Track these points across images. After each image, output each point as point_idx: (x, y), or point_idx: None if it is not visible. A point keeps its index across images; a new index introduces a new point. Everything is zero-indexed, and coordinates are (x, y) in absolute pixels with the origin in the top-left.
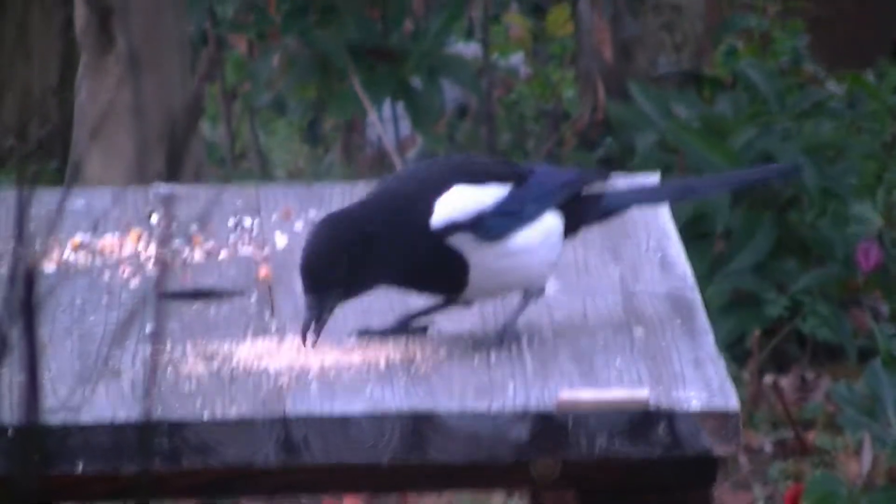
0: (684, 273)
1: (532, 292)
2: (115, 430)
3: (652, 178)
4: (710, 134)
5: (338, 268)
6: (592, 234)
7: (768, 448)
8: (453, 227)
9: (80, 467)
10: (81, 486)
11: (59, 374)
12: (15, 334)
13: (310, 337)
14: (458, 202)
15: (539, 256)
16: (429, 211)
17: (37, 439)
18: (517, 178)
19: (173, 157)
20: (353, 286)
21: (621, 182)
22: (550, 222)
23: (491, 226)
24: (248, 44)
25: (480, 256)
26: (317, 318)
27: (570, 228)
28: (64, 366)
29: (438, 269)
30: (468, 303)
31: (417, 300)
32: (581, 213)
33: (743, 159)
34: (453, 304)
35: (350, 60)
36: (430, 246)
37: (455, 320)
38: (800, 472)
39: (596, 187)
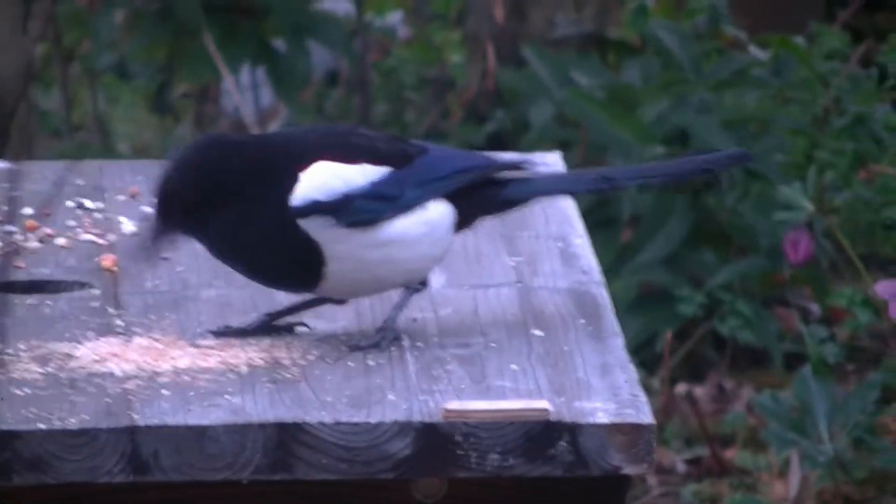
0: (589, 265)
1: (412, 287)
2: None
3: (551, 157)
4: (616, 105)
5: (184, 194)
6: (484, 220)
7: (681, 467)
8: (313, 208)
9: None
10: None
11: None
12: None
13: (138, 255)
14: (323, 179)
15: (419, 250)
16: (288, 184)
17: None
18: (404, 158)
19: (1, 128)
20: (195, 225)
21: (514, 160)
22: (436, 212)
23: (359, 209)
24: None
25: (343, 246)
26: (152, 240)
27: (463, 220)
28: None
29: (289, 256)
30: (340, 300)
31: (283, 296)
32: (477, 203)
33: (653, 135)
34: (323, 301)
35: (204, 17)
36: (283, 227)
37: (327, 318)
38: (717, 494)
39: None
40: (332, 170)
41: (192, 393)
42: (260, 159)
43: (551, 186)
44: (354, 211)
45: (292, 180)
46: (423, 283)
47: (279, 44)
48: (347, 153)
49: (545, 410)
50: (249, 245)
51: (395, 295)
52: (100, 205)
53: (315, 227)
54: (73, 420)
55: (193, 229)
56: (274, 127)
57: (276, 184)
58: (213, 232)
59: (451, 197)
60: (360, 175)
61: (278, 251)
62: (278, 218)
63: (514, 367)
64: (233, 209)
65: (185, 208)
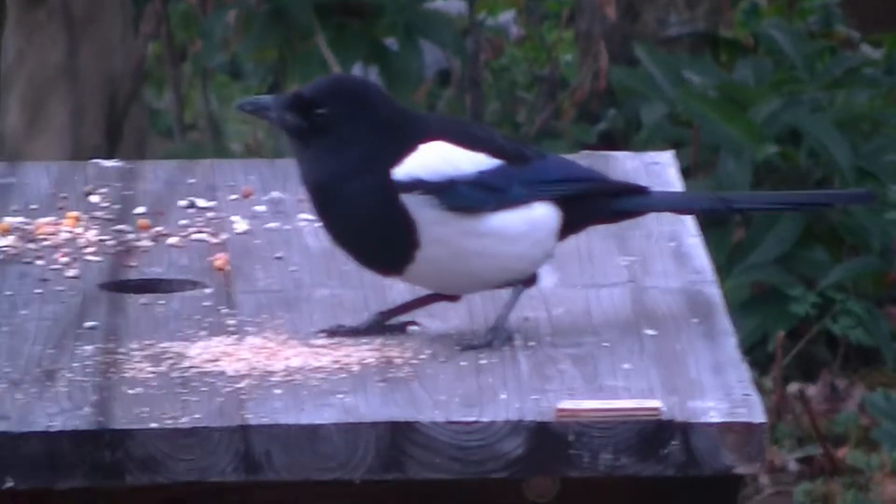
0: (702, 265)
1: (524, 282)
2: (50, 441)
3: (664, 156)
4: (729, 105)
5: (325, 100)
6: None
7: (793, 466)
8: (416, 185)
9: (8, 482)
10: None
11: None
12: None
13: (245, 105)
14: (432, 159)
15: (518, 248)
16: (399, 157)
17: None
18: (520, 157)
19: (113, 127)
20: (310, 132)
21: (629, 162)
22: (541, 212)
23: (461, 194)
24: None
25: (441, 229)
26: (268, 107)
27: (570, 227)
28: None
29: (382, 229)
30: (453, 297)
31: (396, 294)
32: (587, 211)
33: (766, 134)
34: (436, 299)
35: (316, 17)
36: (382, 197)
37: (439, 317)
38: (829, 494)
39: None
40: (443, 151)
41: (304, 392)
42: (394, 117)
43: (665, 202)
44: (457, 195)
45: (407, 153)
46: (533, 281)
47: (391, 43)
48: (466, 140)
49: (657, 410)
50: (349, 198)
51: (505, 294)
52: (212, 204)
53: (415, 205)
54: (185, 419)
55: (309, 136)
56: None
57: (393, 150)
58: (320, 161)
59: (560, 202)
60: (469, 162)
61: (372, 221)
62: (381, 186)
63: (626, 366)
64: (348, 152)
65: (315, 112)
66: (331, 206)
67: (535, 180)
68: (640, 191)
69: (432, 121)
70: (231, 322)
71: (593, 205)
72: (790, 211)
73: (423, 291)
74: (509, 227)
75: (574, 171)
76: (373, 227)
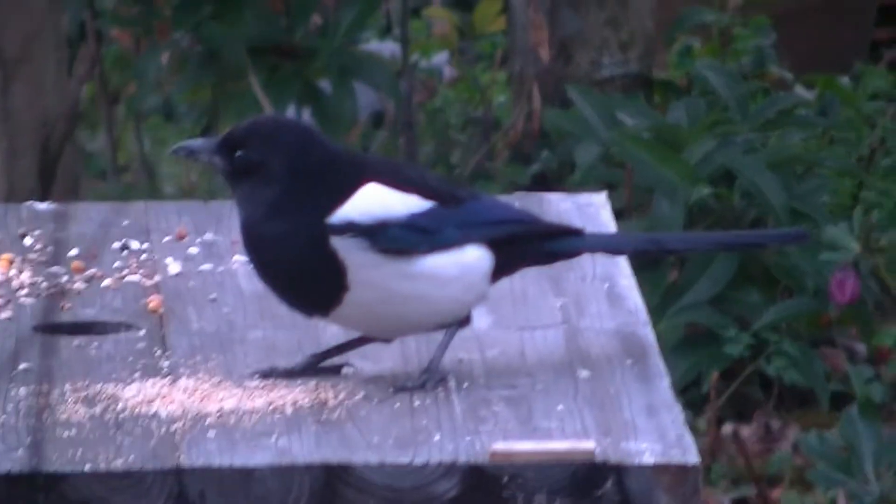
0: (635, 306)
1: (454, 326)
2: None
3: (597, 198)
4: (662, 146)
5: (246, 140)
6: None
7: None
8: (348, 227)
9: None
10: None
11: None
12: None
13: (178, 150)
14: (366, 202)
15: (451, 292)
16: (336, 200)
17: None
18: (452, 199)
19: (47, 169)
20: (239, 175)
21: (563, 203)
22: (473, 255)
23: (393, 237)
24: (134, 39)
25: (371, 272)
26: (198, 149)
27: (503, 269)
28: None
29: (311, 270)
30: (386, 340)
31: (330, 336)
32: (520, 253)
33: (700, 175)
34: (369, 341)
35: (249, 59)
36: (313, 238)
37: (372, 359)
38: None
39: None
40: (376, 193)
41: (238, 434)
42: (325, 158)
43: (598, 243)
44: (389, 238)
45: (339, 195)
46: (468, 321)
47: (325, 85)
48: (399, 182)
49: (591, 451)
50: (277, 238)
51: (439, 335)
52: (146, 246)
53: (345, 248)
54: (119, 461)
55: (235, 178)
56: None
57: (325, 191)
58: (247, 201)
59: (493, 245)
60: (402, 204)
61: (300, 263)
62: (310, 228)
63: (560, 407)
64: (282, 191)
65: (249, 155)
66: (258, 246)
67: (469, 222)
68: (573, 232)
69: (367, 161)
70: (165, 364)
71: (526, 247)
72: (724, 251)
73: (356, 333)
74: (441, 270)
75: (507, 213)
76: (301, 269)
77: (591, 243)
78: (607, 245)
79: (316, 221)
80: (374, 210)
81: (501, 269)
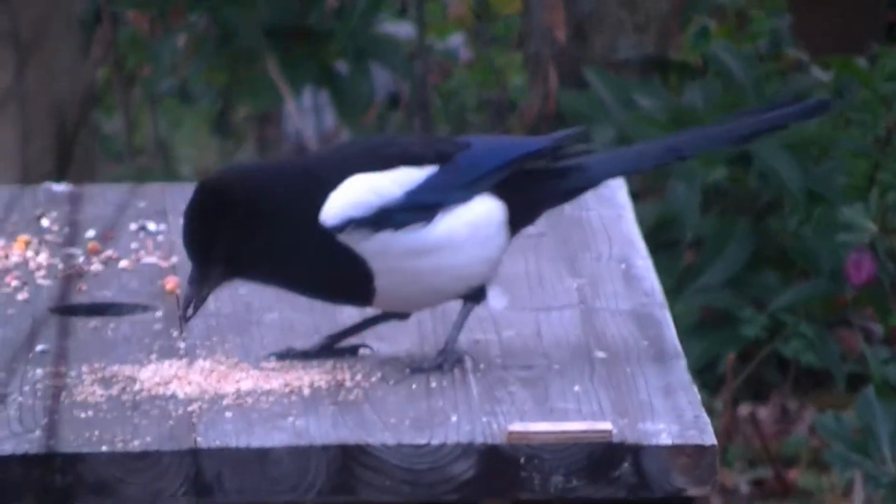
0: (652, 287)
1: (471, 299)
2: (1, 465)
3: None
4: (678, 127)
5: (215, 232)
6: (546, 242)
7: (744, 488)
8: (348, 224)
9: None
10: None
11: None
12: None
13: (187, 313)
14: (355, 194)
15: (469, 253)
16: (320, 204)
17: None
18: (441, 158)
19: (63, 151)
20: (235, 262)
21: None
22: (481, 209)
23: (398, 221)
24: (150, 22)
25: (387, 259)
26: (195, 294)
27: (522, 216)
28: None
29: (335, 273)
30: (403, 315)
31: (346, 317)
32: (535, 196)
33: (715, 157)
34: (385, 319)
35: (265, 41)
36: (320, 245)
37: (389, 340)
38: None
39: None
40: (364, 184)
41: (255, 415)
42: (288, 184)
43: (614, 168)
44: (393, 223)
45: (321, 199)
46: (481, 295)
47: (341, 66)
48: (379, 163)
49: (608, 432)
50: (298, 272)
51: (455, 314)
52: (162, 227)
53: (354, 242)
54: (136, 442)
55: (235, 270)
56: None
57: (309, 206)
58: (255, 263)
59: (504, 193)
60: (394, 185)
61: (327, 272)
62: (318, 239)
63: (576, 388)
64: (270, 240)
65: (216, 252)
66: (295, 280)
67: (466, 178)
68: (568, 144)
69: (339, 156)
70: (181, 345)
71: (541, 188)
72: (743, 143)
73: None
74: (454, 236)
75: (504, 153)
76: (333, 277)
77: (606, 169)
78: (622, 167)
79: (319, 231)
80: (368, 200)
81: (518, 216)
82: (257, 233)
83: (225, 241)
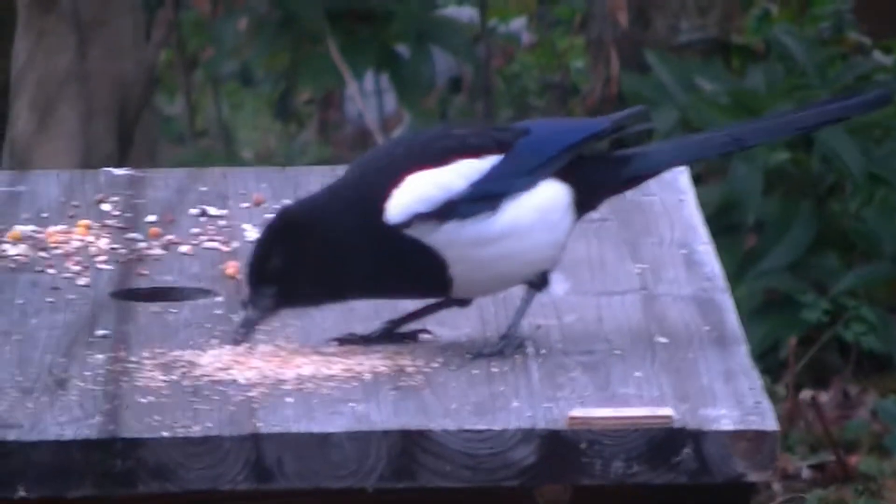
0: (713, 272)
1: (535, 285)
2: (61, 450)
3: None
4: (740, 110)
5: (270, 263)
6: (608, 227)
7: (806, 473)
8: (414, 218)
9: (20, 492)
10: None
11: None
12: None
13: (239, 338)
14: (419, 190)
15: (535, 239)
16: (382, 207)
17: None
18: (500, 147)
19: (124, 133)
20: (291, 290)
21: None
22: (546, 195)
23: (465, 212)
24: (211, 4)
25: (457, 249)
26: (250, 319)
27: (586, 201)
28: (2, 375)
29: (410, 268)
30: (465, 302)
31: (407, 303)
32: (598, 182)
33: (777, 141)
34: (447, 306)
35: (327, 24)
36: (390, 245)
37: (450, 325)
38: (842, 500)
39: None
40: (426, 179)
41: (315, 400)
42: (347, 202)
43: (677, 156)
44: (461, 215)
45: (384, 198)
46: (545, 281)
47: (402, 50)
48: (437, 159)
49: (669, 417)
50: (373, 280)
51: (517, 299)
52: (223, 212)
53: (422, 235)
54: (196, 428)
55: (288, 292)
56: (398, 132)
57: (370, 211)
58: (321, 287)
59: (568, 177)
60: (458, 178)
61: (402, 269)
62: (387, 240)
63: (638, 374)
64: (334, 259)
65: (271, 281)
66: (372, 293)
67: (530, 165)
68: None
69: (391, 158)
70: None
71: (604, 174)
72: (805, 133)
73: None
74: (520, 222)
75: (565, 137)
76: (409, 271)
77: (668, 158)
78: (685, 155)
79: (383, 229)
80: (432, 195)
81: (583, 200)
82: (322, 257)
83: (277, 270)
